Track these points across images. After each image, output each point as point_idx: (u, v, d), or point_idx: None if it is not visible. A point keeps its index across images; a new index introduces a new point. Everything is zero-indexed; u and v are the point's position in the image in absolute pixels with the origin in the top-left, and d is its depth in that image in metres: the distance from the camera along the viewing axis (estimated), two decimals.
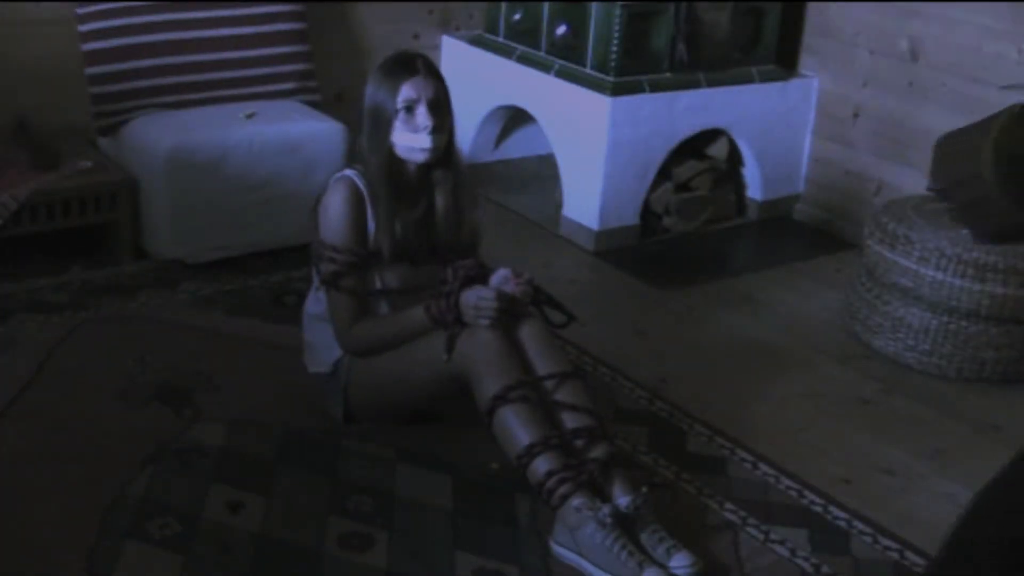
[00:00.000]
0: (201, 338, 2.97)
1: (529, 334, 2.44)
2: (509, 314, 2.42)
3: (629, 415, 2.80)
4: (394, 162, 2.50)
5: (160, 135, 3.27)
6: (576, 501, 2.21)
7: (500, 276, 2.45)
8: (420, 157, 2.49)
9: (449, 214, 2.56)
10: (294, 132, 3.44)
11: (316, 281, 2.60)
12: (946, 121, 3.73)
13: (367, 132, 2.51)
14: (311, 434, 2.58)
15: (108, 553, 2.13)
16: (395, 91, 2.46)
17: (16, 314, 2.98)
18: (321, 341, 2.60)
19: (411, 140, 2.47)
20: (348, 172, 2.54)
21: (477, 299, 2.38)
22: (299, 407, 2.66)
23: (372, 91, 2.49)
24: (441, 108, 2.48)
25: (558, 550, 2.24)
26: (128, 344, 2.88)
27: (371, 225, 2.51)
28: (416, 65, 2.47)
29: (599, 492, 2.26)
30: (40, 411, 2.57)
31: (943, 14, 3.69)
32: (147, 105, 3.43)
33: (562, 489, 2.22)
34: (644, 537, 2.21)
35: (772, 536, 2.39)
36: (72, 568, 2.08)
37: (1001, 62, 3.56)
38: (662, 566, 2.15)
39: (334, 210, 2.50)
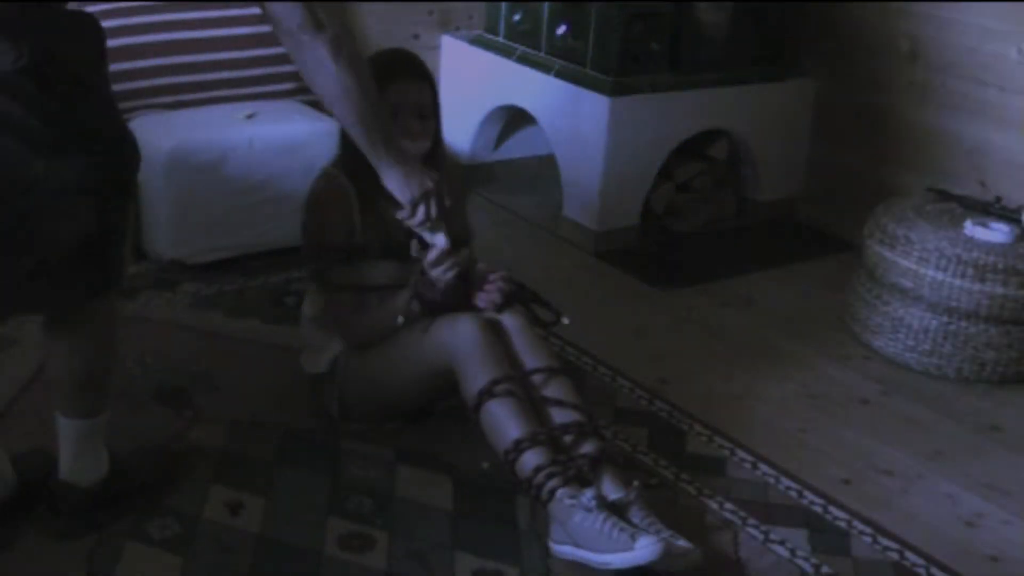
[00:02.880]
0: (201, 339, 2.97)
1: (514, 329, 2.45)
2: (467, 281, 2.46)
3: (629, 415, 2.80)
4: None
5: (160, 136, 3.27)
6: (562, 493, 2.21)
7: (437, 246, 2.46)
8: None
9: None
10: (294, 132, 3.44)
11: (311, 286, 2.62)
12: (946, 121, 3.74)
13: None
14: (311, 434, 2.58)
15: (108, 554, 2.13)
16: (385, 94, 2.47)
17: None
18: (318, 342, 2.61)
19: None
20: (331, 169, 2.56)
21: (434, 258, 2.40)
22: (299, 407, 2.66)
23: None
24: (425, 113, 2.49)
25: (556, 548, 2.24)
26: (128, 344, 2.87)
27: (356, 221, 2.52)
28: (402, 69, 2.49)
29: (588, 486, 2.26)
30: (40, 411, 2.57)
31: (943, 14, 3.69)
32: (147, 105, 3.43)
33: (550, 484, 2.22)
34: (643, 527, 2.21)
35: (772, 536, 2.39)
36: (72, 569, 2.08)
37: (1001, 62, 3.56)
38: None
39: (319, 206, 2.52)
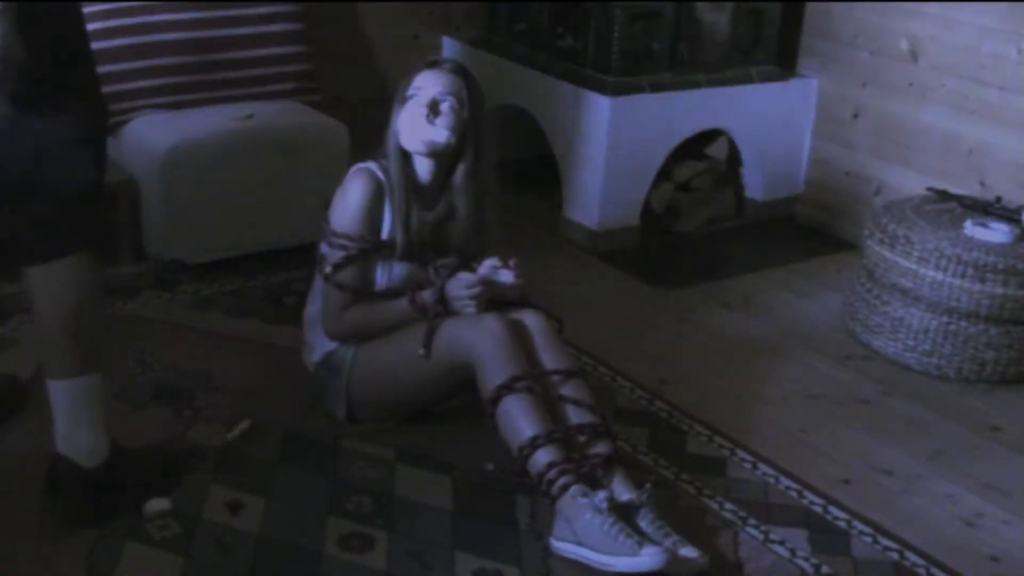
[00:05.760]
0: (201, 338, 2.97)
1: (536, 328, 2.45)
2: (497, 302, 2.45)
3: (629, 415, 2.80)
4: (405, 156, 2.52)
5: (159, 136, 3.27)
6: (574, 491, 2.22)
7: (487, 266, 2.47)
8: (419, 148, 2.49)
9: (467, 220, 2.57)
10: (294, 132, 3.44)
11: (317, 281, 2.61)
12: (946, 121, 3.74)
13: (389, 128, 2.53)
14: (311, 434, 2.58)
15: (108, 554, 2.13)
16: (409, 83, 2.49)
17: (16, 314, 2.98)
18: (320, 342, 2.61)
19: (411, 128, 2.48)
20: (370, 164, 2.55)
21: (462, 286, 2.41)
22: (299, 407, 2.66)
23: (397, 89, 2.53)
24: (452, 105, 2.48)
25: (558, 545, 2.24)
26: (128, 344, 2.88)
27: (387, 220, 2.52)
28: (439, 62, 2.52)
29: (598, 487, 2.27)
30: (40, 411, 2.56)
31: (943, 14, 3.69)
32: (146, 106, 3.43)
33: (562, 480, 2.23)
34: (650, 531, 2.22)
35: (772, 536, 2.39)
36: (72, 569, 2.08)
37: (1001, 62, 3.56)
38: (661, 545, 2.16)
39: (352, 198, 2.52)
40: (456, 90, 2.50)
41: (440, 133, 2.48)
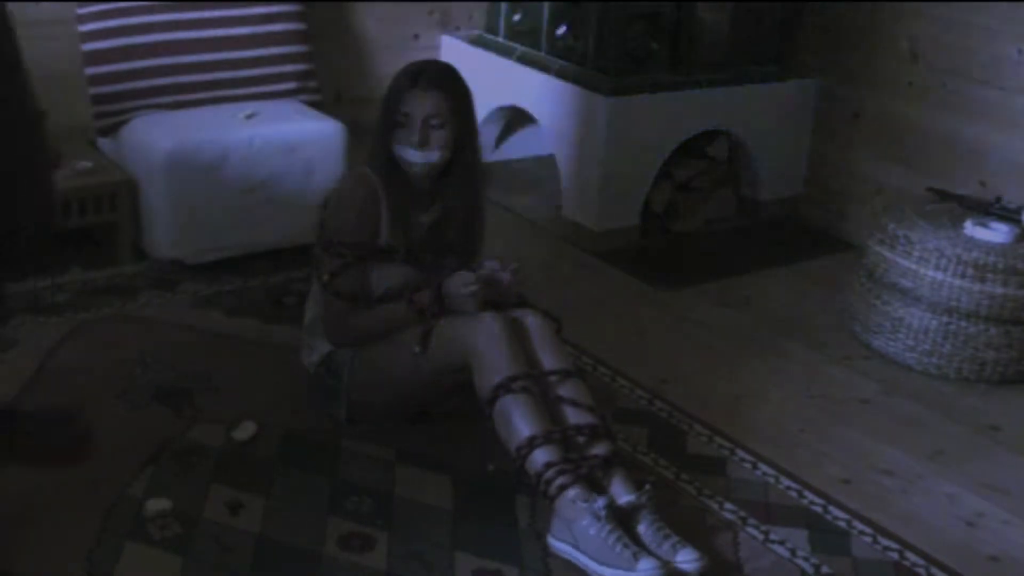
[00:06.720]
0: (201, 338, 2.97)
1: (535, 328, 2.45)
2: (494, 302, 2.45)
3: (629, 415, 2.80)
4: (397, 167, 2.52)
5: (160, 135, 3.27)
6: (572, 492, 2.22)
7: (486, 267, 2.47)
8: (414, 169, 2.51)
9: (462, 219, 2.57)
10: (294, 132, 3.44)
11: (316, 285, 2.61)
12: (946, 121, 3.74)
13: (376, 134, 2.53)
14: (311, 434, 2.58)
15: (108, 554, 2.13)
16: (397, 102, 2.48)
17: (16, 314, 2.98)
18: (319, 343, 2.61)
19: (404, 152, 2.49)
20: (364, 168, 2.55)
21: (459, 284, 2.42)
22: (299, 407, 2.66)
23: (384, 96, 2.52)
24: (441, 123, 2.48)
25: (555, 544, 2.24)
26: (128, 344, 2.88)
27: (384, 223, 2.52)
28: (419, 78, 2.48)
29: (597, 488, 2.27)
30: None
31: (943, 14, 3.69)
32: (147, 105, 3.43)
33: (560, 480, 2.23)
34: (649, 533, 2.22)
35: (772, 536, 2.39)
36: (72, 569, 2.08)
37: (1001, 62, 3.56)
38: (658, 557, 2.16)
39: (347, 204, 2.52)
40: (442, 108, 2.48)
41: (432, 155, 2.49)
